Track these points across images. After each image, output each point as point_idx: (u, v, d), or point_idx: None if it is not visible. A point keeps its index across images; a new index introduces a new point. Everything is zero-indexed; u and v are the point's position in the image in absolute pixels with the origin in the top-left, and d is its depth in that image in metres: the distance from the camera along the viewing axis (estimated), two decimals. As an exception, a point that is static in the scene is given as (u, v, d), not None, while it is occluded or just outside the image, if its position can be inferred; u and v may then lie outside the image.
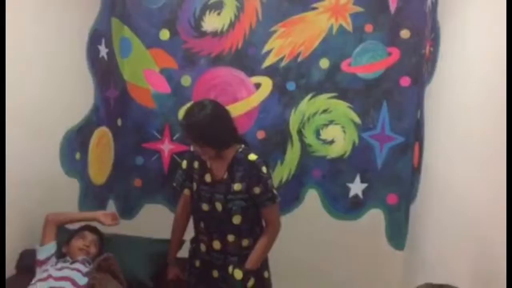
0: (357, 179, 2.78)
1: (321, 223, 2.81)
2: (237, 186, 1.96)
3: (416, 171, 2.58)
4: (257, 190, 1.95)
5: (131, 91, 2.92)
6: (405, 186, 2.70)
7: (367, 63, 2.69)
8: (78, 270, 1.86)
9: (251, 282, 2.01)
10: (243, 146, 2.01)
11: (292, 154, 2.82)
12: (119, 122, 2.91)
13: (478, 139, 1.77)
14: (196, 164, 2.07)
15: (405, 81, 2.66)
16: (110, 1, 2.71)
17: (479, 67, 1.81)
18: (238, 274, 1.99)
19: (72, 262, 1.91)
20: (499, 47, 1.58)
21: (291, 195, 2.84)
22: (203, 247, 2.07)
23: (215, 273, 2.06)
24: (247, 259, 2.00)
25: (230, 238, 2.01)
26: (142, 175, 2.99)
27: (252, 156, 1.96)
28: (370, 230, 2.78)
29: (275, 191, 2.01)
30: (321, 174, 2.81)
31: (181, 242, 2.23)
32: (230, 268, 2.01)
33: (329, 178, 2.80)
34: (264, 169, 1.96)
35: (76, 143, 2.44)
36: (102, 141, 2.72)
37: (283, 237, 2.80)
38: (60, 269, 1.84)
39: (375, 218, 2.78)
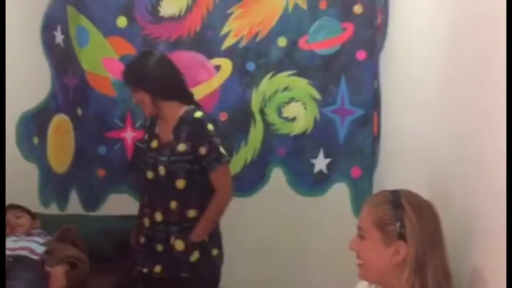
0: (321, 154, 2.81)
1: (288, 201, 2.82)
2: (181, 147, 1.84)
3: (376, 140, 2.63)
4: (202, 150, 1.83)
5: (91, 80, 2.89)
6: (367, 158, 2.74)
7: (324, 39, 2.75)
8: (35, 241, 1.81)
9: (194, 256, 1.86)
10: (192, 106, 1.92)
11: (256, 133, 2.84)
12: (79, 111, 2.87)
13: (427, 95, 1.82)
14: (146, 136, 2.02)
15: (361, 55, 2.72)
16: (64, -12, 2.70)
17: (420, 29, 1.88)
18: (179, 245, 1.85)
19: (28, 235, 1.87)
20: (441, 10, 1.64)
21: (257, 174, 2.84)
22: (146, 222, 1.93)
23: (159, 247, 1.89)
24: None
25: (173, 205, 1.86)
26: (106, 165, 2.94)
27: (198, 113, 1.87)
28: (336, 204, 2.80)
29: (221, 150, 1.86)
30: (285, 152, 2.83)
31: None
32: (172, 239, 1.86)
33: (293, 155, 2.82)
34: (210, 126, 1.85)
35: (33, 127, 2.40)
36: (61, 129, 2.68)
37: (250, 216, 2.83)
38: (15, 241, 1.80)
39: (340, 192, 2.80)
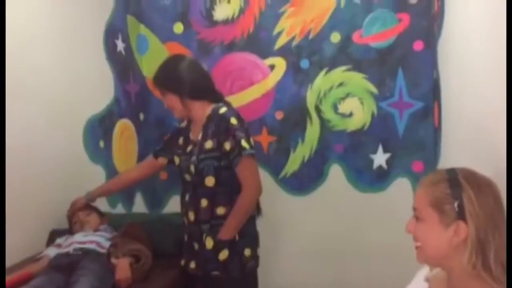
0: (380, 149, 2.73)
1: (348, 198, 2.76)
2: (208, 144, 1.85)
3: (437, 133, 2.54)
4: (227, 145, 1.81)
5: (151, 86, 2.99)
6: (429, 151, 2.63)
7: (378, 32, 2.68)
8: (102, 236, 1.91)
9: (223, 254, 1.84)
10: (220, 104, 1.93)
11: (312, 131, 2.81)
12: (141, 116, 2.99)
13: (488, 83, 1.73)
14: (181, 140, 2.04)
15: (418, 45, 2.63)
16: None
17: (478, 14, 1.80)
18: (209, 243, 1.86)
19: (95, 231, 1.97)
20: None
21: (315, 172, 2.81)
22: (186, 221, 1.98)
23: (196, 246, 1.93)
24: None
25: (203, 203, 1.87)
26: (168, 168, 2.99)
27: (222, 110, 1.86)
28: (398, 200, 2.69)
29: (243, 144, 1.81)
30: (343, 148, 2.78)
31: (110, 189, 2.29)
32: (204, 237, 1.87)
33: (351, 151, 2.76)
34: (233, 120, 1.83)
35: (99, 131, 2.53)
36: (125, 133, 2.80)
37: (309, 215, 2.81)
38: (84, 236, 1.90)
39: (402, 187, 2.71)
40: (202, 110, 1.92)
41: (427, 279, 1.22)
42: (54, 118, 2.20)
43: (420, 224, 1.11)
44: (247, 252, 1.89)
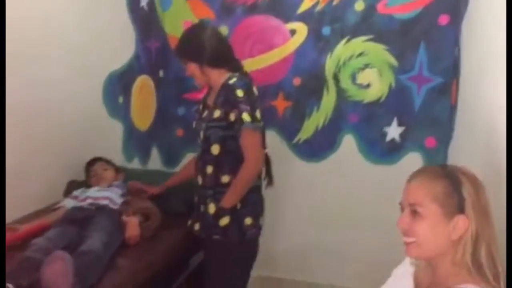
0: (394, 122, 2.73)
1: (358, 168, 2.80)
2: (216, 113, 1.86)
3: (453, 110, 2.52)
4: (232, 116, 1.82)
5: (172, 43, 3.01)
6: (443, 128, 2.62)
7: (404, 3, 2.62)
8: (115, 192, 2.00)
9: (224, 221, 1.88)
10: (235, 73, 1.93)
11: (328, 99, 2.82)
12: (161, 73, 3.03)
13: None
14: (201, 105, 2.08)
15: (444, 19, 2.56)
16: (149, -46, 2.81)
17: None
18: (212, 208, 1.90)
19: (109, 186, 2.06)
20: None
21: (328, 140, 2.84)
22: (197, 183, 2.03)
23: (202, 208, 1.98)
24: None
25: (209, 169, 1.91)
26: (184, 125, 3.09)
27: (232, 80, 1.87)
28: (408, 174, 2.74)
29: (244, 116, 1.81)
30: (358, 119, 2.78)
31: (180, 178, 2.30)
32: (208, 201, 1.93)
33: (365, 122, 2.77)
34: (239, 92, 1.82)
35: (118, 86, 2.59)
36: (144, 89, 2.85)
37: (319, 182, 2.86)
38: (98, 191, 2.00)
39: (413, 161, 2.72)
40: (220, 78, 1.93)
41: (413, 264, 1.27)
42: (75, 72, 2.26)
43: (419, 219, 1.10)
44: (248, 221, 1.92)
